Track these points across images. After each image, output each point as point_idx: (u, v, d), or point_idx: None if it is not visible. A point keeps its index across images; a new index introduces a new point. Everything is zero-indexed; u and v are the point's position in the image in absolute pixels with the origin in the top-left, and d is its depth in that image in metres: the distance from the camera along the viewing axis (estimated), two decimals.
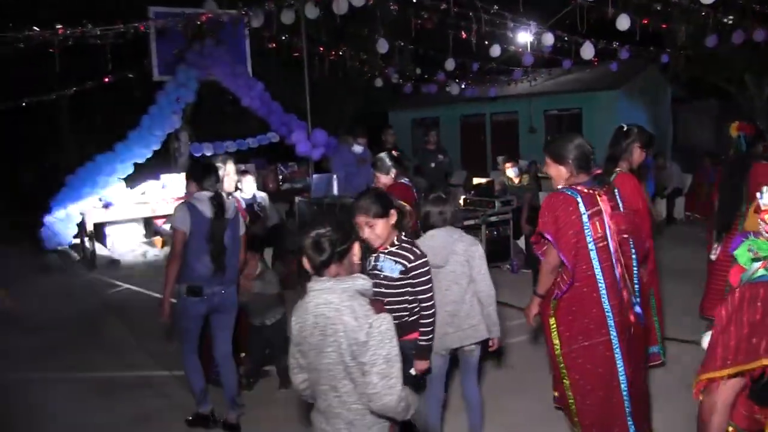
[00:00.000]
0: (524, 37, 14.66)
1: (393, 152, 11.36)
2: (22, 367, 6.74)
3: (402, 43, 14.22)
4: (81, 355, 7.10)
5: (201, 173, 5.00)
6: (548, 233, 3.92)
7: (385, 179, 6.24)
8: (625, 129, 5.20)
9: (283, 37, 13.41)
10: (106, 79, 12.63)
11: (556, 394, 4.35)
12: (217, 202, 4.90)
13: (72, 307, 9.11)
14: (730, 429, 2.50)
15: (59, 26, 8.91)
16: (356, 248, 2.85)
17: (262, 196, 7.59)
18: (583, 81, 20.54)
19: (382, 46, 12.87)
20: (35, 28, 8.81)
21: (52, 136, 21.06)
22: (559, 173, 4.09)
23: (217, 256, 4.88)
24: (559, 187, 4.05)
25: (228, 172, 5.68)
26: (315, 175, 9.02)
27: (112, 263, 11.69)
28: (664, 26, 14.51)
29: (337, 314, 2.65)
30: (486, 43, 13.32)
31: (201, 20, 11.90)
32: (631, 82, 20.31)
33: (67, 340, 7.49)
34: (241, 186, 6.82)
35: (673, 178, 14.04)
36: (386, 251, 3.84)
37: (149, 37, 12.87)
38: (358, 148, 9.25)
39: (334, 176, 8.98)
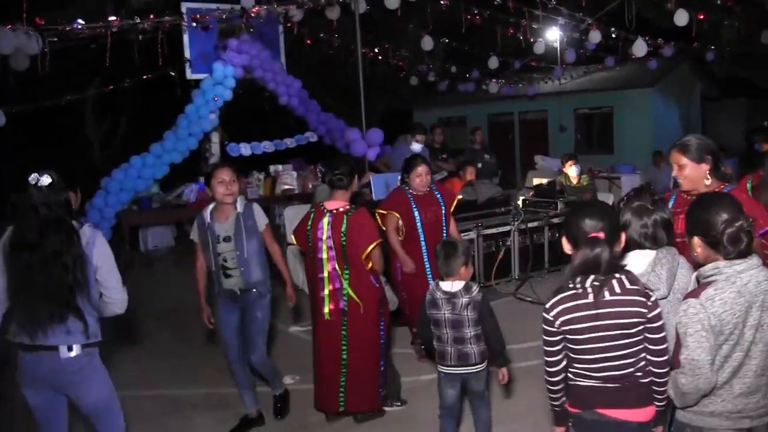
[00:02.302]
0: (556, 33, 14.24)
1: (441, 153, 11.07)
2: None
3: (447, 40, 13.80)
4: (142, 369, 6.69)
5: None
6: None
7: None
8: None
9: (321, 35, 13.01)
10: (145, 77, 12.16)
11: None
12: None
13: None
14: None
15: (113, 18, 8.46)
16: None
17: None
18: (615, 79, 20.05)
19: (428, 44, 12.44)
20: (80, 21, 8.35)
21: (74, 136, 20.56)
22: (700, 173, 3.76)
23: None
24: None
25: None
26: (373, 176, 8.55)
27: (149, 267, 11.32)
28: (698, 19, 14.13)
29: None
30: (532, 40, 12.90)
31: (236, 15, 11.46)
32: (663, 79, 19.83)
33: (124, 353, 7.03)
34: None
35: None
36: None
37: (182, 34, 12.45)
38: (416, 147, 8.81)
39: (399, 176, 8.50)
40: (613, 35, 12.67)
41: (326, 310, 4.97)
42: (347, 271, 4.91)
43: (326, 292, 4.96)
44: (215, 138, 14.05)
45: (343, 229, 4.85)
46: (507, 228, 8.75)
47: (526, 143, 22.04)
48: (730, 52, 16.03)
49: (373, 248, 4.89)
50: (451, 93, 20.07)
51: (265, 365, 5.18)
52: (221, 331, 5.11)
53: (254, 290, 4.94)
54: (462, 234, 8.23)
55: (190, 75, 12.84)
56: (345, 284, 4.93)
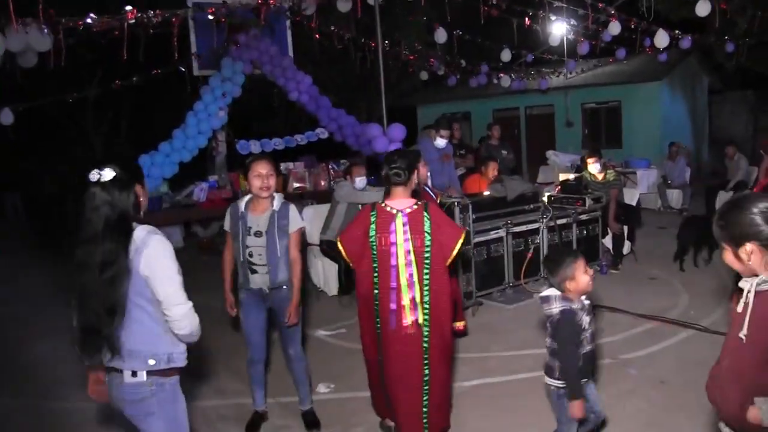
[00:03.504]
0: (571, 25, 13.94)
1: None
2: None
3: (460, 32, 13.47)
4: None
5: None
6: None
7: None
8: None
9: (332, 28, 12.67)
10: (155, 72, 11.81)
11: None
12: None
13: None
14: None
15: (129, 8, 8.12)
16: None
17: None
18: (622, 72, 19.74)
19: (441, 36, 12.13)
20: (92, 15, 8.00)
21: (74, 135, 20.17)
22: None
23: None
24: None
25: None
26: None
27: None
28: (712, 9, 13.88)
29: None
30: (547, 32, 12.62)
31: (249, 9, 11.12)
32: (671, 72, 19.56)
33: None
34: None
35: (739, 170, 13.29)
36: None
37: (189, 29, 12.10)
38: (441, 142, 8.52)
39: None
40: (632, 26, 12.35)
41: (408, 322, 4.36)
42: (428, 276, 4.36)
43: (406, 301, 4.35)
44: (221, 136, 13.78)
45: (426, 228, 4.32)
46: (535, 225, 8.44)
47: (532, 139, 21.79)
48: (747, 44, 15.70)
49: (462, 245, 4.41)
50: (456, 89, 19.73)
51: (302, 361, 5.06)
52: (246, 328, 4.92)
53: (284, 287, 4.79)
54: (492, 232, 7.96)
55: (197, 71, 12.54)
56: (426, 291, 4.38)
